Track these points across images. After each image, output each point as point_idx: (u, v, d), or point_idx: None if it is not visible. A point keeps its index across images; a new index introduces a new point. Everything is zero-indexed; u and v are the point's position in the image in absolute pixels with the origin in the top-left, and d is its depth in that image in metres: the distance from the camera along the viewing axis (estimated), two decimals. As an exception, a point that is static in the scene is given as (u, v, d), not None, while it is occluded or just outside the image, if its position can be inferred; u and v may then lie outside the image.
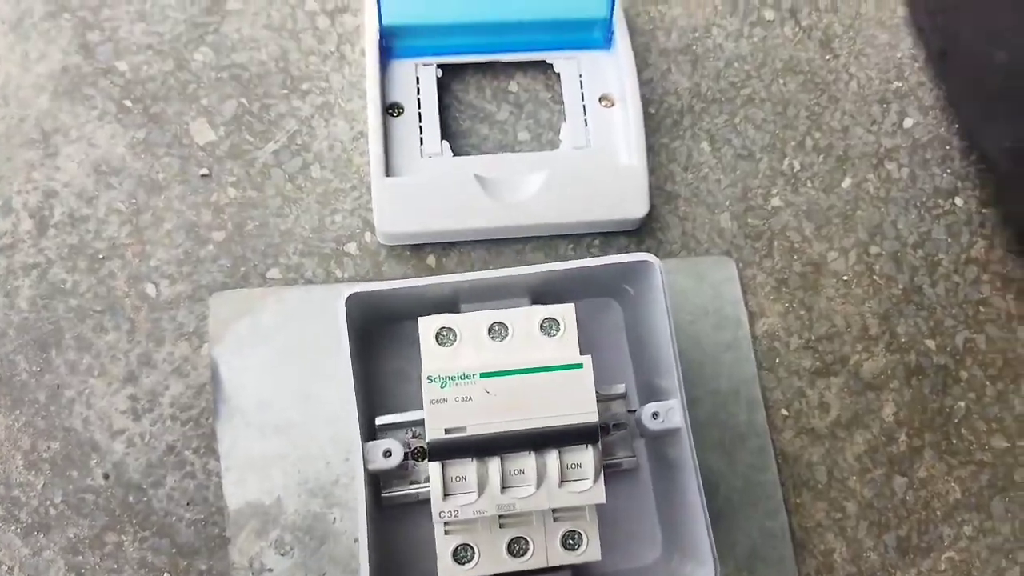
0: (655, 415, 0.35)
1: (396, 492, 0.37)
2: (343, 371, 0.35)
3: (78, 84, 0.45)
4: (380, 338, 0.40)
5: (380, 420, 0.37)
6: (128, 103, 0.45)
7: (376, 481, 0.37)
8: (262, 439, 0.40)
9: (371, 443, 0.34)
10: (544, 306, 0.35)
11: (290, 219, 0.44)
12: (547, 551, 0.33)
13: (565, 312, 0.35)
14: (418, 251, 0.44)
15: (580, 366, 0.33)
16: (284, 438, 0.40)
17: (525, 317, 0.35)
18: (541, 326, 0.35)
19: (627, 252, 0.45)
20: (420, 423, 0.37)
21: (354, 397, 0.34)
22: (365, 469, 0.34)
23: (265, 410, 0.40)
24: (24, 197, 0.43)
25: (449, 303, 0.39)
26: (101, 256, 0.42)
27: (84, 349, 0.41)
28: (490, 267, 0.44)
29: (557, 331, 0.35)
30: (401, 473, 0.37)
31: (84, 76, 0.45)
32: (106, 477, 0.39)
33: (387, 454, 0.34)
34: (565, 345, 0.34)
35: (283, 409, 0.40)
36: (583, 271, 0.38)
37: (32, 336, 0.41)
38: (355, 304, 0.36)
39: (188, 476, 0.40)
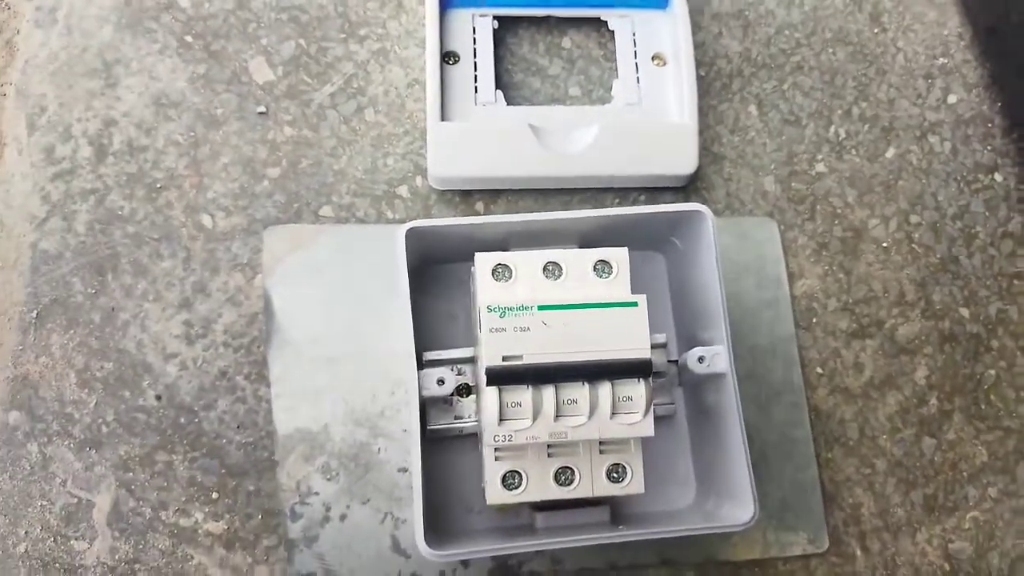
0: (701, 359, 0.36)
1: (441, 425, 0.38)
2: (400, 302, 0.36)
3: (140, 17, 0.46)
4: (427, 278, 0.41)
5: (428, 356, 0.38)
6: (189, 39, 0.46)
7: (422, 414, 0.38)
8: (312, 370, 0.41)
9: (425, 371, 0.35)
10: (598, 249, 0.36)
11: (343, 160, 0.45)
12: (592, 481, 0.34)
13: (619, 255, 0.36)
14: (467, 197, 0.45)
15: (635, 304, 0.33)
16: (333, 370, 0.41)
17: (579, 258, 0.36)
18: (595, 267, 0.36)
19: (672, 209, 0.46)
20: (465, 360, 0.38)
21: (411, 326, 0.35)
22: (420, 395, 0.35)
23: (315, 342, 0.41)
24: (84, 125, 0.44)
25: (499, 246, 0.40)
26: (159, 186, 0.43)
27: (140, 274, 0.42)
28: (536, 216, 0.45)
29: (610, 273, 0.36)
30: (444, 407, 0.38)
31: (146, 9, 0.46)
32: (158, 398, 0.40)
33: (440, 382, 0.35)
34: (617, 286, 0.35)
35: (333, 342, 0.41)
36: (633, 219, 0.39)
37: (88, 259, 0.42)
38: (411, 239, 0.37)
39: (239, 400, 0.41)
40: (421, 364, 0.37)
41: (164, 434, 0.40)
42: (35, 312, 0.41)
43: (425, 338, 0.41)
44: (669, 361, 0.39)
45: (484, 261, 0.35)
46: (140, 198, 0.43)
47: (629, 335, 0.33)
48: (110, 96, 0.44)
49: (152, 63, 0.45)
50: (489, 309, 0.33)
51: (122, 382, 0.41)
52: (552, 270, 0.36)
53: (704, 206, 0.38)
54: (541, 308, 0.33)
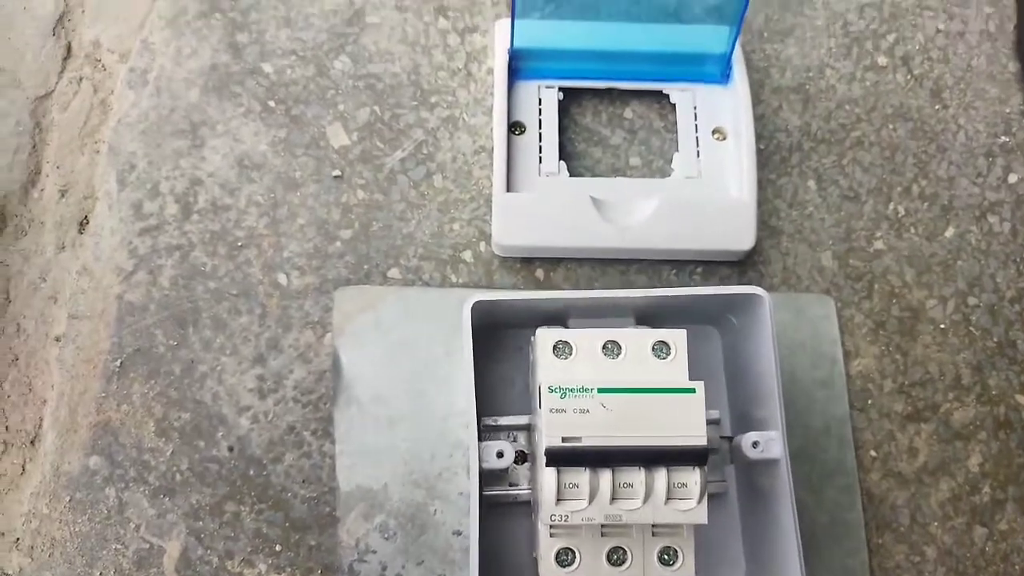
0: (755, 444, 0.37)
1: (497, 491, 0.39)
2: (464, 374, 0.38)
3: (226, 82, 0.48)
4: (486, 343, 0.43)
5: (485, 421, 0.40)
6: (272, 103, 0.48)
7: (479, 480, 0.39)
8: (375, 428, 0.42)
9: (485, 443, 0.37)
10: (657, 329, 0.37)
11: (412, 223, 0.47)
12: (644, 563, 0.35)
13: (677, 337, 0.37)
14: (528, 264, 0.47)
15: (693, 391, 0.35)
16: (394, 429, 0.43)
17: (638, 338, 0.37)
18: (653, 348, 0.37)
19: (728, 282, 0.47)
20: (520, 428, 0.40)
21: (473, 399, 0.37)
22: (480, 467, 0.36)
23: (379, 402, 0.43)
24: (171, 183, 0.47)
25: (558, 316, 0.41)
26: (239, 244, 0.46)
27: (219, 329, 0.44)
28: (595, 284, 0.46)
29: (668, 355, 0.37)
30: (501, 474, 0.39)
31: (232, 74, 0.49)
32: (230, 450, 0.43)
33: (500, 455, 0.37)
34: (675, 369, 0.36)
35: (395, 402, 0.43)
36: (689, 298, 0.40)
37: (171, 312, 0.45)
38: (476, 310, 0.39)
39: (305, 456, 0.43)
40: (479, 430, 0.39)
41: (234, 485, 0.42)
42: (119, 361, 0.44)
43: (482, 401, 0.42)
44: (722, 437, 0.40)
45: (545, 338, 0.37)
46: (221, 255, 0.45)
47: (686, 422, 0.34)
48: (196, 156, 0.47)
49: (236, 126, 0.48)
50: (550, 390, 0.34)
51: (197, 432, 0.43)
52: (611, 348, 0.37)
53: (762, 290, 0.39)
54: (601, 391, 0.34)
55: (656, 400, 0.34)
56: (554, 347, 0.37)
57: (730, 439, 0.40)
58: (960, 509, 0.44)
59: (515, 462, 0.39)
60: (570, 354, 0.36)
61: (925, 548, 0.43)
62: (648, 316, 0.41)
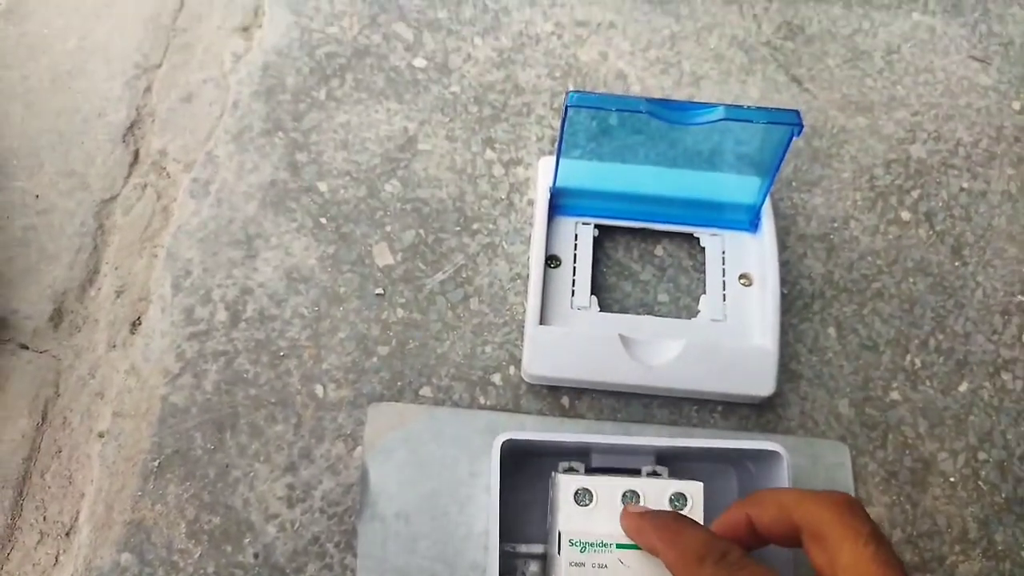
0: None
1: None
2: (490, 504, 0.39)
3: (283, 197, 0.51)
4: (510, 468, 0.44)
5: (503, 546, 0.41)
6: (323, 220, 0.51)
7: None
8: (396, 545, 0.44)
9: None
10: (676, 481, 0.39)
11: (446, 344, 0.49)
12: None
13: (695, 490, 0.39)
14: (554, 391, 0.48)
15: (709, 547, 0.36)
16: (414, 547, 0.44)
17: (656, 488, 0.39)
18: (671, 498, 0.39)
19: (747, 423, 0.48)
20: (536, 556, 0.41)
21: (496, 528, 0.38)
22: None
23: (402, 519, 0.44)
24: (223, 291, 0.49)
25: (582, 451, 0.43)
26: (282, 354, 0.48)
27: (255, 435, 0.46)
28: (618, 415, 0.48)
29: (685, 505, 0.38)
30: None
31: (289, 191, 0.52)
32: (256, 556, 0.44)
33: (518, 588, 0.38)
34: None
35: (418, 520, 0.44)
36: (709, 448, 0.41)
37: (212, 416, 0.47)
38: (504, 448, 0.40)
39: (327, 567, 0.44)
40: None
41: (257, 592, 0.43)
42: (157, 461, 0.46)
43: (502, 526, 0.44)
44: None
45: (567, 484, 0.38)
46: (264, 363, 0.48)
47: (700, 580, 0.35)
48: (249, 267, 0.50)
49: (289, 240, 0.50)
50: (571, 543, 0.36)
51: (226, 537, 0.44)
52: (631, 497, 0.38)
53: (781, 447, 0.40)
54: (619, 547, 0.36)
55: (673, 555, 0.36)
56: (575, 494, 0.38)
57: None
58: (965, 672, 0.44)
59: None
60: (591, 501, 0.38)
61: None
62: (668, 456, 0.43)
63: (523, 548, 0.41)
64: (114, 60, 0.54)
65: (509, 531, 0.43)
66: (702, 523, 0.38)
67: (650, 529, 0.34)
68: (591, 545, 0.35)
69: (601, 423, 0.48)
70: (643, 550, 0.36)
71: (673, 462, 0.43)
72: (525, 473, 0.44)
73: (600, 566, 0.35)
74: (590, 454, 0.43)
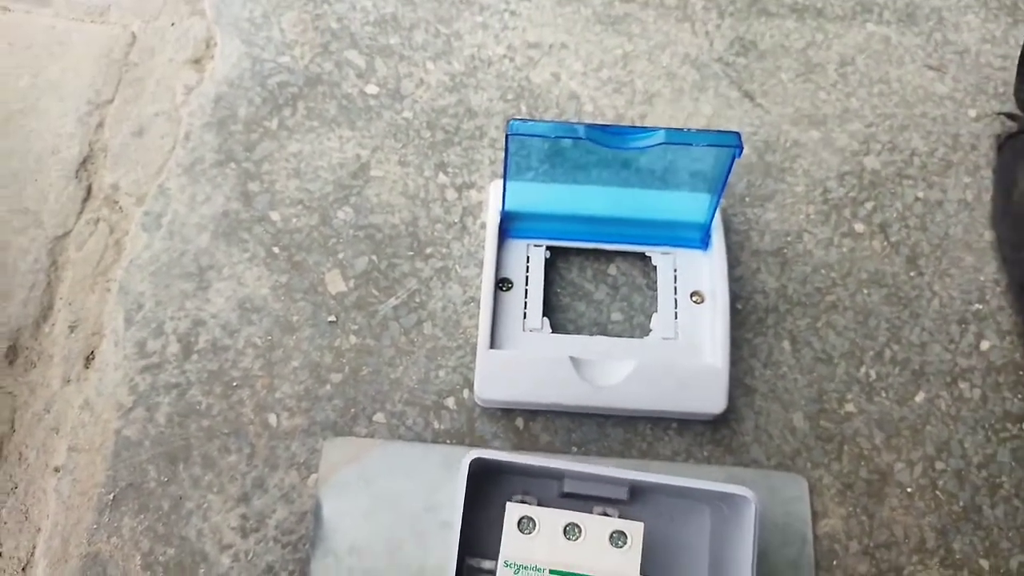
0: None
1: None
2: (454, 515, 0.39)
3: (235, 228, 0.52)
4: (475, 486, 0.44)
5: (468, 562, 0.41)
6: (276, 249, 0.51)
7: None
8: (350, 577, 0.44)
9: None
10: (618, 520, 0.39)
11: (400, 369, 0.49)
12: None
13: (635, 529, 0.39)
14: (508, 413, 0.49)
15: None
16: (369, 578, 0.44)
17: (598, 525, 0.39)
18: (611, 536, 0.39)
19: (702, 438, 0.48)
20: (493, 572, 0.41)
21: (456, 542, 0.39)
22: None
23: (355, 554, 0.44)
24: (175, 323, 0.49)
25: (556, 476, 0.43)
26: (235, 384, 0.48)
27: (208, 466, 0.46)
28: (572, 435, 0.48)
29: (624, 544, 0.39)
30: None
31: (241, 221, 0.52)
32: (210, 589, 0.44)
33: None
34: (628, 560, 0.38)
35: (370, 555, 0.44)
36: (679, 487, 0.42)
37: (165, 449, 0.47)
38: (474, 464, 0.40)
39: (280, 599, 0.44)
40: (461, 571, 0.40)
41: (211, 625, 0.43)
42: (112, 495, 0.46)
43: (465, 541, 0.43)
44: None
45: (513, 512, 0.39)
46: (217, 394, 0.48)
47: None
48: (201, 298, 0.50)
49: (241, 270, 0.51)
50: (505, 564, 0.36)
51: (181, 568, 0.44)
52: (572, 531, 0.39)
53: (749, 492, 0.40)
54: (552, 572, 0.36)
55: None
56: (519, 521, 0.38)
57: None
58: None
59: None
60: (533, 529, 0.38)
61: None
62: (641, 489, 0.43)
63: (486, 564, 0.42)
64: (67, 97, 0.54)
65: (471, 545, 0.43)
66: (638, 564, 0.38)
67: None
68: (524, 568, 0.36)
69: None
70: None
71: (648, 495, 0.43)
72: (483, 492, 0.45)
73: None
74: (563, 479, 0.43)
